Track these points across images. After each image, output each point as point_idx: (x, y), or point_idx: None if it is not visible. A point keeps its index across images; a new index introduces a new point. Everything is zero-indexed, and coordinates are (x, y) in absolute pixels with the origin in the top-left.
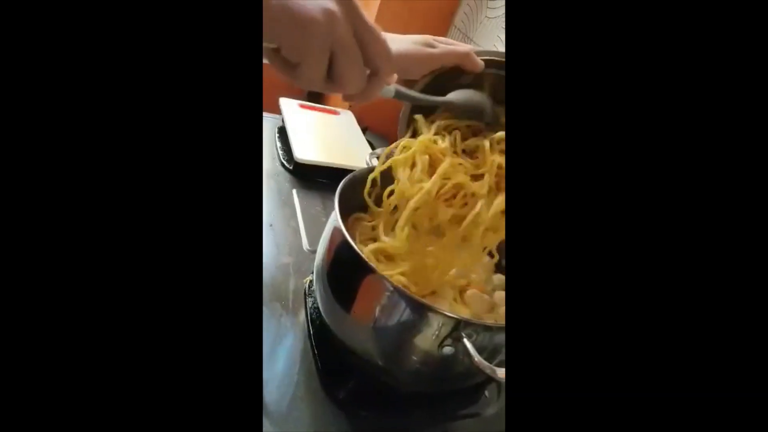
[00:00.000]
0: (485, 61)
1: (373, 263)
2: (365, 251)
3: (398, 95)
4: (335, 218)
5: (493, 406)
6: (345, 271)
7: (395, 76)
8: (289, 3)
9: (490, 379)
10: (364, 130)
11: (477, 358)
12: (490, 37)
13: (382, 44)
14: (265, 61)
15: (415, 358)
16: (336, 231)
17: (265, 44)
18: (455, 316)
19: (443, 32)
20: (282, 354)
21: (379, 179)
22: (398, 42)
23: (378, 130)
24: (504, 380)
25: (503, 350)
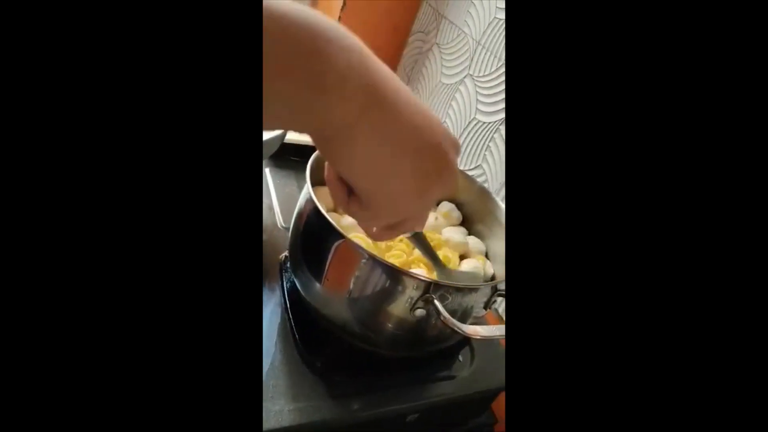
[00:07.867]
0: None
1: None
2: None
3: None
4: (307, 190)
5: (466, 369)
6: (317, 242)
7: None
8: (432, 117)
9: (463, 344)
10: None
11: (444, 314)
12: (460, 12)
13: None
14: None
15: (390, 324)
16: (307, 202)
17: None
18: (426, 279)
19: (414, 9)
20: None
21: None
22: None
23: None
24: (468, 334)
25: (473, 312)
